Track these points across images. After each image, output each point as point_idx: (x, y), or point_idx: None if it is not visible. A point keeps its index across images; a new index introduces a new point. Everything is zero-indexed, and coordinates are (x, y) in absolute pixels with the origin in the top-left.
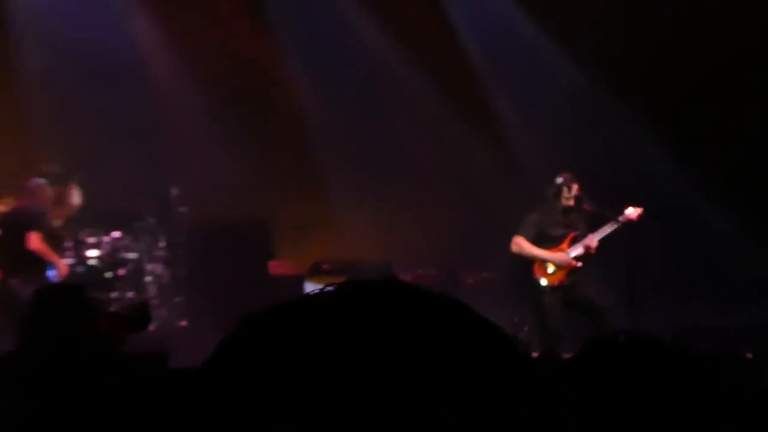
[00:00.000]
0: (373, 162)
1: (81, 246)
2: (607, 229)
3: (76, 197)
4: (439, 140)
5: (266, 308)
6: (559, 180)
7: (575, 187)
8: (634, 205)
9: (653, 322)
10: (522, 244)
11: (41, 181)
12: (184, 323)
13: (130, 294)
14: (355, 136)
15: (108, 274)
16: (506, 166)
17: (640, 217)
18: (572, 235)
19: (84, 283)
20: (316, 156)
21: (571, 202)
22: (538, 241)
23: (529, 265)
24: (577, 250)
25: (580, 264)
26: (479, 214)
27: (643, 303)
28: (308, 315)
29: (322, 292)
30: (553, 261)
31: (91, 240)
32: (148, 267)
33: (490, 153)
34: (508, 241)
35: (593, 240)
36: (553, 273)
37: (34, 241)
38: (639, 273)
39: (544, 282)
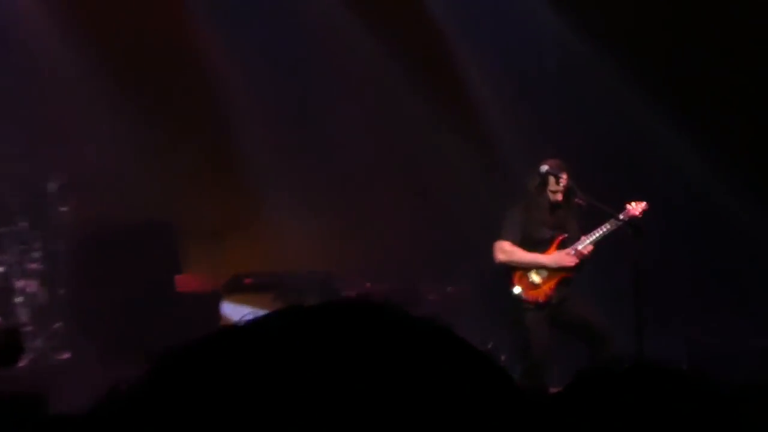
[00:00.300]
0: (309, 156)
1: None
2: (604, 230)
3: None
4: (394, 130)
5: (188, 343)
6: (544, 168)
7: (564, 177)
8: (638, 199)
9: (664, 346)
10: (509, 250)
11: None
12: (65, 356)
13: None
14: (289, 125)
15: None
16: (477, 158)
17: (644, 213)
18: (561, 237)
19: None
20: (238, 146)
21: (560, 197)
22: (522, 245)
23: (506, 276)
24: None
25: (571, 274)
26: (442, 217)
27: (652, 322)
28: (247, 355)
29: (259, 320)
30: (552, 262)
31: None
32: (18, 284)
33: (457, 142)
34: (479, 248)
35: (587, 243)
36: (538, 285)
37: None
38: (646, 284)
39: (525, 296)
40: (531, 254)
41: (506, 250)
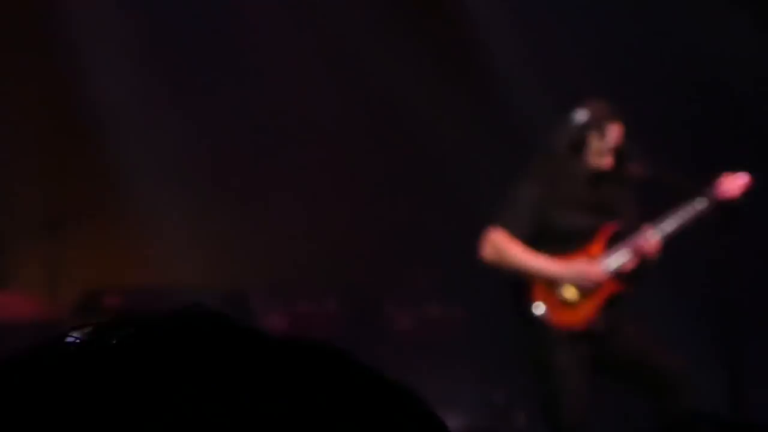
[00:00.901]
0: (205, 126)
1: None
2: (680, 216)
3: None
4: (350, 74)
5: None
6: (584, 116)
7: (616, 130)
8: (735, 170)
9: None
10: (505, 246)
11: None
12: None
13: None
14: (170, 82)
15: None
16: (479, 116)
17: (745, 192)
18: (609, 227)
19: None
20: (90, 110)
21: (608, 162)
22: (539, 238)
23: (522, 289)
24: (621, 258)
25: (625, 287)
26: (425, 206)
27: (756, 362)
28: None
29: (80, 339)
30: (571, 279)
31: None
32: None
33: (446, 93)
34: (475, 243)
35: (653, 236)
36: (573, 305)
37: None
38: (746, 302)
39: (553, 324)
40: (538, 258)
41: (499, 244)
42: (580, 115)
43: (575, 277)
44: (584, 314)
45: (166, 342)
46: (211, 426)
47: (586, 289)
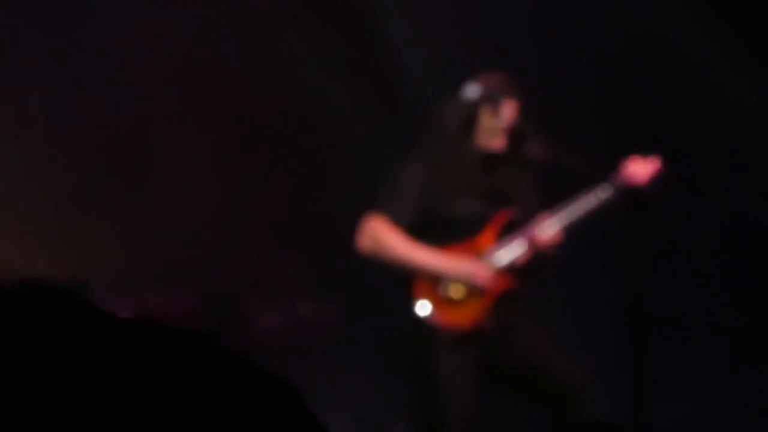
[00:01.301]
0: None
1: None
2: (584, 204)
3: None
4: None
5: None
6: (475, 91)
7: (511, 107)
8: (645, 153)
9: (682, 411)
10: (384, 236)
11: None
12: None
13: None
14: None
15: None
16: (360, 87)
17: (654, 179)
18: (504, 215)
19: None
20: None
21: (501, 142)
22: (424, 227)
23: (402, 284)
24: (514, 251)
25: (520, 283)
26: (293, 186)
27: (661, 369)
28: None
29: None
30: (457, 277)
31: None
32: None
33: (321, 59)
34: (349, 234)
35: (551, 227)
36: (460, 303)
37: None
38: (653, 301)
39: (437, 321)
40: (421, 251)
41: (378, 234)
42: (472, 90)
43: (461, 276)
44: (472, 313)
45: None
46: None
47: (473, 286)
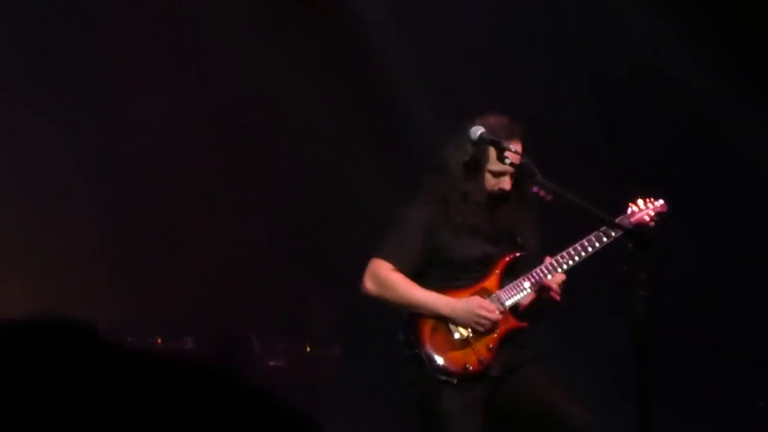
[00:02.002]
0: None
1: None
2: (588, 246)
3: None
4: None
5: None
6: (478, 131)
7: (516, 147)
8: (654, 195)
9: None
10: (389, 279)
11: None
12: None
13: None
14: None
15: None
16: (364, 125)
17: (661, 219)
18: (508, 258)
19: None
20: None
21: (507, 184)
22: (428, 269)
23: (407, 326)
24: (520, 293)
25: (524, 324)
26: (297, 226)
27: (669, 408)
28: None
29: None
30: (463, 318)
31: None
32: None
33: (324, 97)
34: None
35: (555, 269)
36: (466, 343)
37: None
38: (658, 341)
39: (442, 363)
40: (426, 293)
41: (383, 278)
42: (476, 130)
43: (467, 316)
44: (477, 354)
45: None
46: None
47: (482, 324)
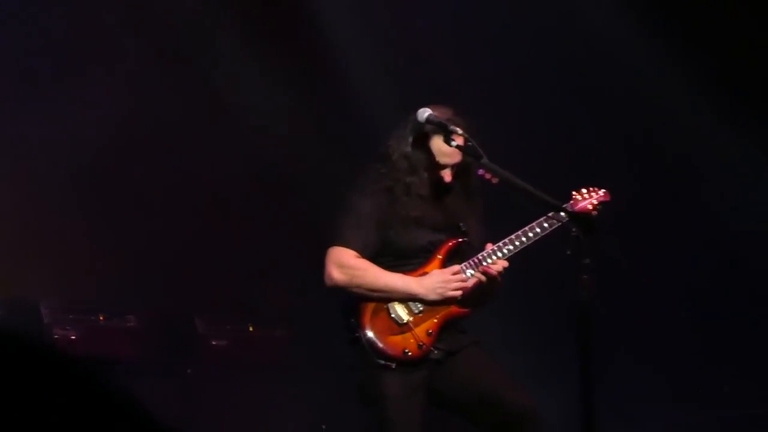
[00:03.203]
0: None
1: None
2: (530, 234)
3: None
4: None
5: None
6: (425, 112)
7: (459, 135)
8: (596, 185)
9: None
10: (354, 265)
11: None
12: None
13: None
14: None
15: None
16: (318, 109)
17: (599, 208)
18: (450, 243)
19: None
20: None
21: (449, 173)
22: (377, 258)
23: (349, 310)
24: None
25: (466, 310)
26: (241, 218)
27: (610, 391)
28: None
29: None
30: (433, 288)
31: None
32: None
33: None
34: (312, 261)
35: (498, 255)
36: (407, 327)
37: None
38: (602, 326)
39: (383, 347)
40: (397, 276)
41: (350, 265)
42: (423, 112)
43: (438, 285)
44: (417, 339)
45: None
46: None
47: (422, 310)
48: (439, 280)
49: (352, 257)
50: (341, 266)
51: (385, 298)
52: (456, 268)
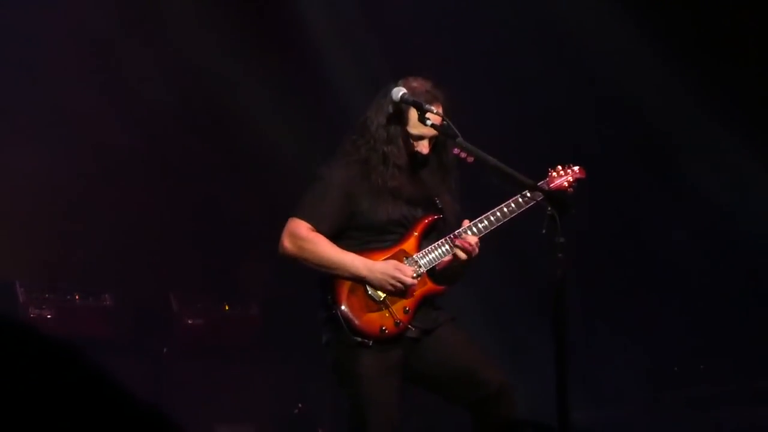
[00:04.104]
0: None
1: None
2: (505, 210)
3: None
4: None
5: None
6: (400, 91)
7: (436, 110)
8: (574, 162)
9: (605, 403)
10: (306, 237)
11: None
12: None
13: None
14: None
15: None
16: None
17: (578, 184)
18: (426, 220)
19: None
20: None
21: (425, 147)
22: (348, 233)
23: (325, 287)
24: (437, 256)
25: (441, 287)
26: (214, 197)
27: (585, 365)
28: None
29: None
30: (378, 281)
31: None
32: None
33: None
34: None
35: (473, 231)
36: (383, 305)
37: None
38: (577, 302)
39: (359, 324)
40: (346, 254)
41: (301, 237)
42: (398, 91)
43: (383, 278)
44: (394, 316)
45: None
46: None
47: (398, 288)
48: (385, 271)
49: (305, 229)
50: (293, 237)
51: (333, 275)
52: (409, 270)
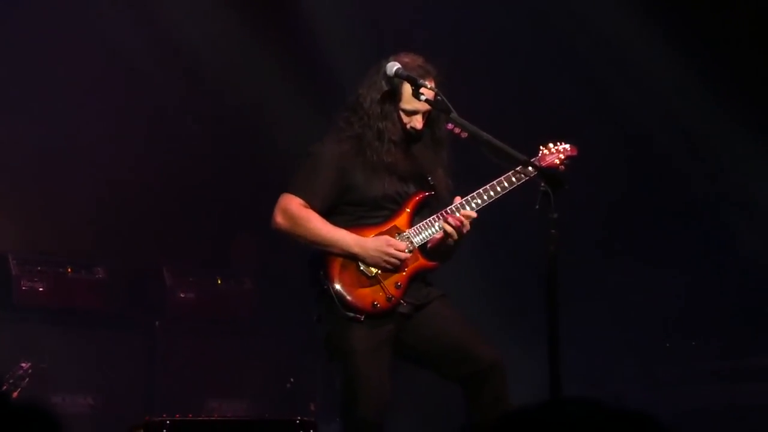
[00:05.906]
0: None
1: None
2: (498, 188)
3: None
4: None
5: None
6: (394, 66)
7: (430, 85)
8: (565, 139)
9: (595, 382)
10: (297, 213)
11: None
12: None
13: None
14: None
15: None
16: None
17: (570, 161)
18: (418, 197)
19: None
20: None
21: (419, 122)
22: (342, 208)
23: (317, 262)
24: (429, 232)
25: (433, 263)
26: (209, 172)
27: (576, 344)
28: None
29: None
30: (370, 257)
31: None
32: None
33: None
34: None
35: (465, 208)
36: (374, 282)
37: None
38: (567, 281)
39: (351, 300)
40: (338, 231)
41: (293, 213)
42: (392, 66)
43: (376, 254)
44: (386, 291)
45: None
46: None
47: (390, 263)
48: (377, 248)
49: (297, 205)
50: (285, 213)
51: (326, 252)
52: (401, 244)
